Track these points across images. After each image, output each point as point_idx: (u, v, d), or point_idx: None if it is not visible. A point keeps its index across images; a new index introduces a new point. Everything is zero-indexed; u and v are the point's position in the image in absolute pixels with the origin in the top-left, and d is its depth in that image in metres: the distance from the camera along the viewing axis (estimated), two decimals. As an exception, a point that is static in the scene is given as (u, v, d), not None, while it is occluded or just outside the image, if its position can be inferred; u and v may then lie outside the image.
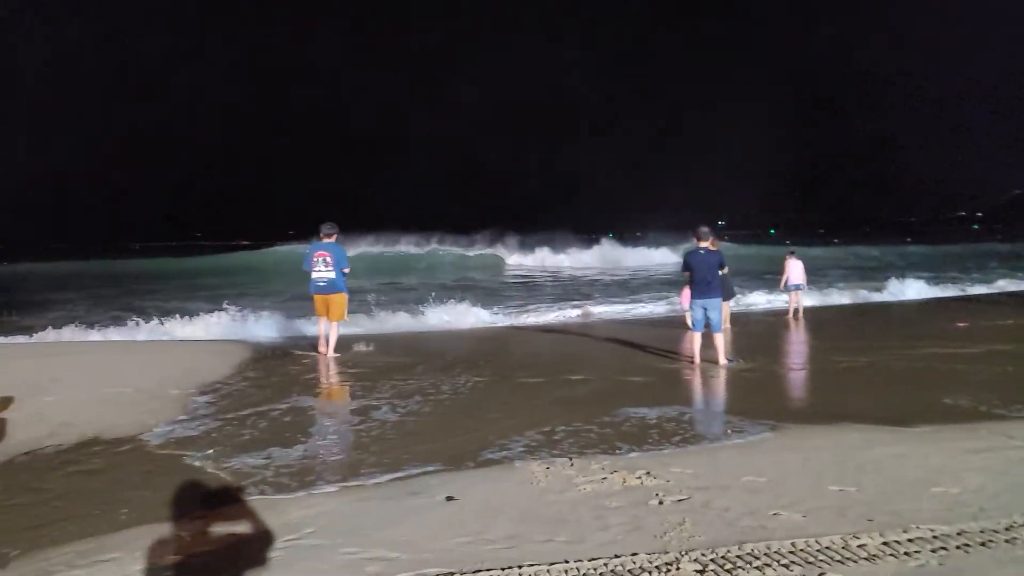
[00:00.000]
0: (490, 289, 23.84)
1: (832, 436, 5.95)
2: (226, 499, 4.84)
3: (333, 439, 6.40)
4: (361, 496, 4.88)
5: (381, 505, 4.67)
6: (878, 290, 19.75)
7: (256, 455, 5.82)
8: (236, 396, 8.00)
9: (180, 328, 13.32)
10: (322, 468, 5.51)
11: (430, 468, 5.44)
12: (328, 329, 10.53)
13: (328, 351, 10.45)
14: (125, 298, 21.16)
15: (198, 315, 14.20)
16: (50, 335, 12.57)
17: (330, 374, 9.46)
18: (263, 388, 8.39)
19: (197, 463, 5.65)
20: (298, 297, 17.06)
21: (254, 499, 4.81)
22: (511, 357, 10.45)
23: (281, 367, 9.80)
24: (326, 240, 10.44)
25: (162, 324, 13.38)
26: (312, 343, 11.36)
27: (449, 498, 4.73)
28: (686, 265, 9.54)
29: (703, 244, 9.43)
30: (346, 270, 10.49)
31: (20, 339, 12.39)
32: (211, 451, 5.94)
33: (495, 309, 16.04)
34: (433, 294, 16.18)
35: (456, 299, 15.87)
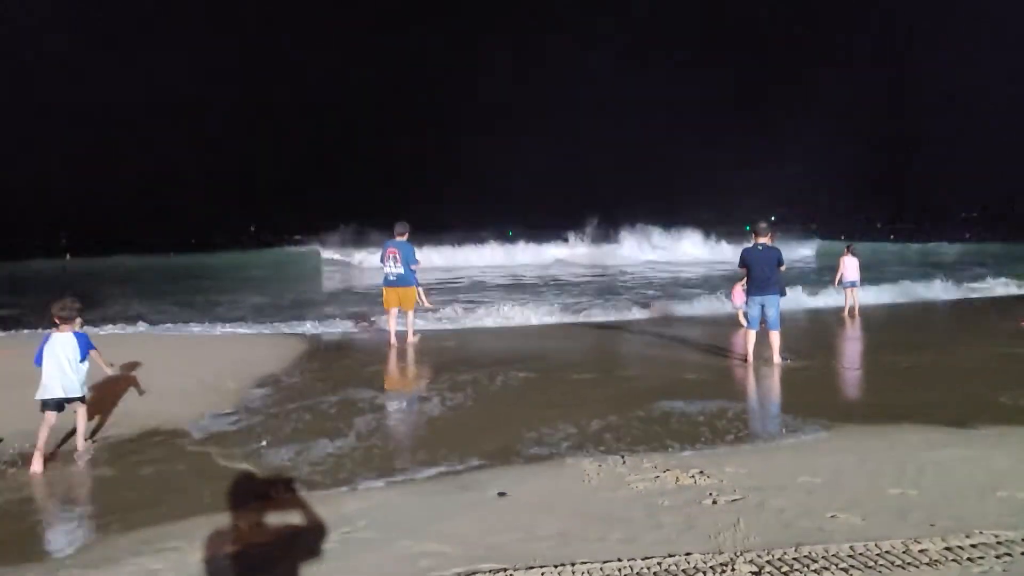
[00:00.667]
0: (555, 285, 23.75)
1: (890, 436, 5.82)
2: (281, 491, 4.94)
3: (385, 432, 6.48)
4: (413, 490, 4.93)
5: (432, 500, 4.72)
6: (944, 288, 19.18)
7: (309, 448, 5.92)
8: (292, 389, 8.15)
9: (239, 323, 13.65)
10: (374, 461, 5.58)
11: (481, 463, 5.48)
12: (401, 319, 11.43)
13: (409, 337, 11.33)
14: (180, 294, 21.64)
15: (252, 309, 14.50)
16: (113, 328, 12.91)
17: (387, 366, 9.58)
18: (319, 381, 8.53)
19: (252, 455, 5.77)
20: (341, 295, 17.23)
21: (307, 492, 4.90)
22: (564, 354, 10.42)
23: (337, 360, 9.98)
24: (398, 238, 11.12)
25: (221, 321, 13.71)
26: (371, 336, 11.89)
27: (501, 494, 4.75)
28: (743, 261, 9.40)
29: (761, 240, 9.27)
30: (414, 266, 11.11)
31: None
32: (265, 443, 6.07)
33: (554, 305, 15.94)
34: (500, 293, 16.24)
35: (526, 295, 15.93)
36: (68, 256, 49.81)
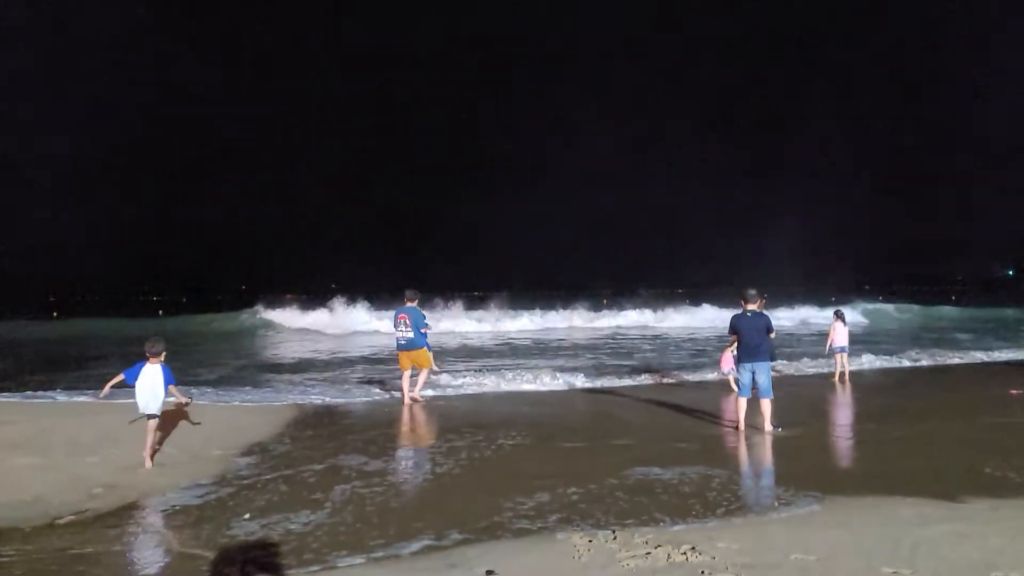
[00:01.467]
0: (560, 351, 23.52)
1: (883, 511, 5.76)
2: (265, 568, 4.82)
3: (371, 503, 6.35)
4: (399, 568, 4.82)
5: (420, 577, 4.61)
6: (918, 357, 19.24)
7: (290, 521, 5.81)
8: (280, 457, 8.04)
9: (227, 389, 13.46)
10: (357, 536, 5.47)
11: (469, 537, 5.38)
12: (414, 381, 11.91)
13: (415, 391, 11.82)
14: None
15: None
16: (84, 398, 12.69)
17: (379, 433, 9.47)
18: (307, 448, 8.42)
19: (232, 529, 5.66)
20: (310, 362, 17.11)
21: (292, 572, 4.78)
22: (559, 420, 10.34)
23: (327, 426, 9.85)
24: (408, 304, 11.71)
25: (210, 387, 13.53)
26: (363, 402, 11.98)
27: (489, 572, 4.64)
28: (733, 328, 9.42)
29: (750, 306, 9.32)
30: (424, 330, 11.72)
31: (58, 397, 12.47)
32: (247, 516, 5.95)
33: (556, 371, 15.73)
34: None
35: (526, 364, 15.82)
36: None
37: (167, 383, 7.60)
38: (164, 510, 6.21)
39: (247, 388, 13.38)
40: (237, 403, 11.35)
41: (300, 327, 30.06)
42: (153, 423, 7.59)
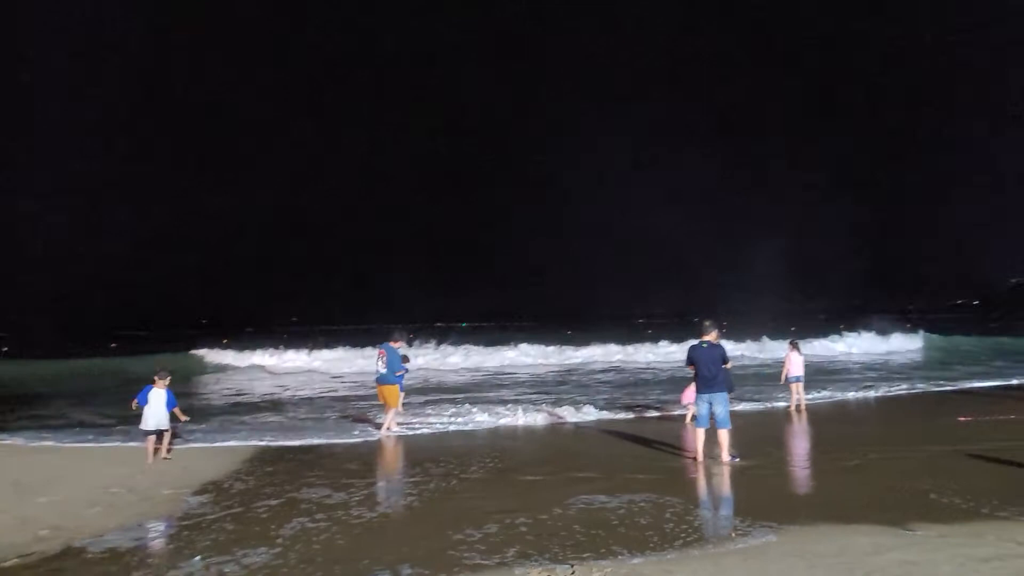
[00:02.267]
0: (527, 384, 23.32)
1: (838, 540, 5.82)
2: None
3: (327, 540, 6.25)
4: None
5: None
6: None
7: (244, 559, 5.70)
8: (233, 495, 7.89)
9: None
10: (310, 574, 5.37)
11: (423, 573, 5.31)
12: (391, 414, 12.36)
13: (382, 429, 12.21)
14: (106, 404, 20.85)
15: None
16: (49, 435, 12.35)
17: (341, 468, 9.34)
18: (262, 486, 8.29)
19: (180, 570, 5.53)
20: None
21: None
22: (521, 453, 10.33)
23: (283, 465, 9.69)
24: (391, 343, 12.39)
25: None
26: (323, 441, 11.76)
27: (446, 609, 4.58)
28: (690, 360, 9.51)
29: (706, 338, 9.42)
30: (399, 372, 12.25)
31: (17, 440, 12.09)
32: (198, 557, 5.82)
33: (529, 407, 15.56)
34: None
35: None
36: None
37: (170, 406, 9.72)
38: (111, 552, 6.03)
39: (201, 429, 13.06)
40: (191, 444, 11.06)
41: (252, 364, 28.16)
42: (152, 439, 9.56)
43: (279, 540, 6.22)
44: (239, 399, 18.79)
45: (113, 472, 8.85)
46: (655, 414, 14.84)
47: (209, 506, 7.44)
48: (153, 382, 9.70)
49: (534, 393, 18.91)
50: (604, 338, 34.48)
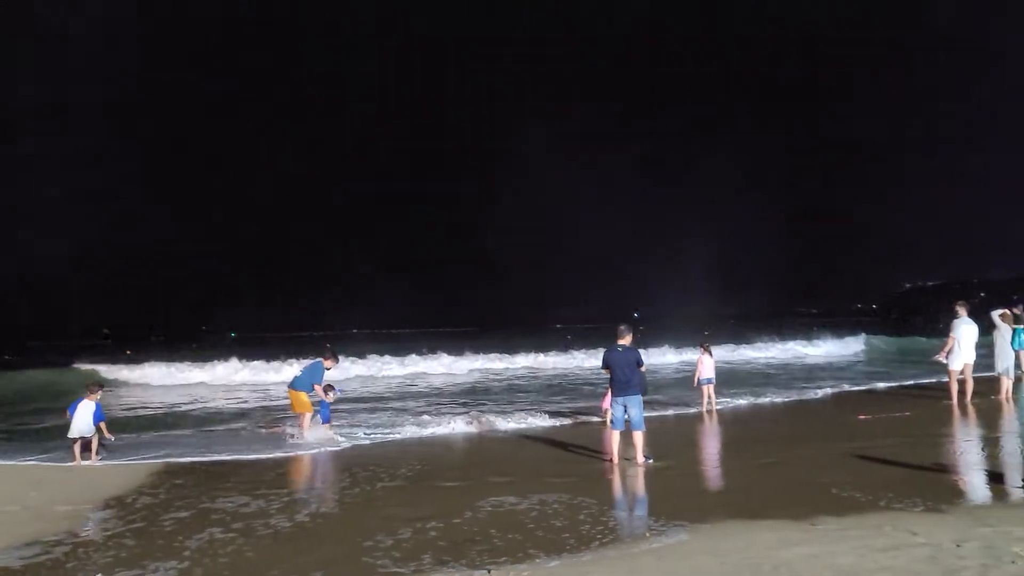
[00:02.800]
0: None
1: (746, 536, 5.99)
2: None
3: (231, 554, 6.06)
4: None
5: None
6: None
7: (147, 574, 5.47)
8: (137, 510, 7.58)
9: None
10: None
11: (341, 585, 5.22)
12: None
13: (298, 437, 12.27)
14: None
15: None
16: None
17: (256, 479, 9.08)
18: (167, 500, 7.99)
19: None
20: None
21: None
22: (439, 461, 10.24)
23: (191, 479, 9.36)
24: (322, 360, 12.86)
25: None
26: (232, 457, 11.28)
27: (360, 619, 4.51)
28: (605, 363, 9.64)
29: (621, 341, 9.56)
30: (317, 387, 12.53)
31: None
32: (98, 574, 5.56)
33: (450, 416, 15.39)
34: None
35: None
36: None
37: (97, 419, 10.40)
38: None
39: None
40: (89, 463, 10.53)
41: (151, 377, 25.66)
42: (78, 445, 10.29)
43: (185, 554, 6.02)
44: (141, 413, 18.05)
45: (3, 490, 8.38)
46: (572, 420, 14.99)
47: (111, 521, 7.13)
48: (85, 395, 10.55)
49: (450, 402, 18.86)
50: (528, 345, 34.39)
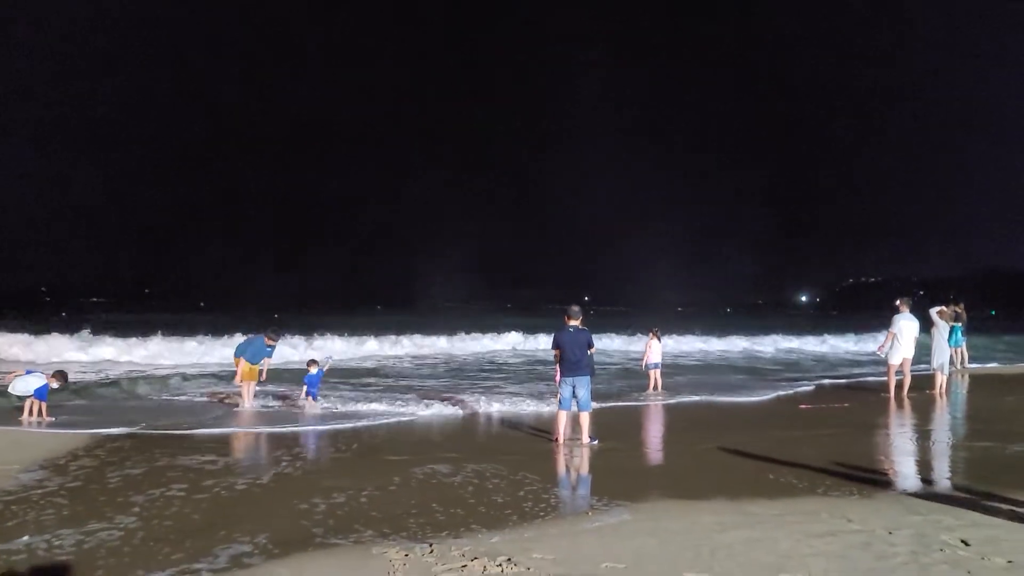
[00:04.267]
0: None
1: (687, 518, 6.07)
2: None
3: (172, 518, 5.93)
4: (201, 588, 4.51)
5: (223, 598, 4.33)
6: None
7: (82, 538, 5.33)
8: (73, 473, 7.39)
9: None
10: (156, 552, 5.08)
11: (279, 552, 5.14)
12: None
13: (242, 404, 12.37)
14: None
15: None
16: None
17: (203, 446, 8.91)
18: (106, 465, 7.80)
19: (12, 547, 5.10)
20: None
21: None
22: (389, 438, 10.16)
23: (131, 445, 9.14)
24: (264, 338, 12.77)
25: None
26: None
27: (299, 590, 4.45)
28: (556, 343, 9.65)
29: (573, 322, 9.57)
30: (265, 360, 12.73)
31: None
32: (25, 537, 5.40)
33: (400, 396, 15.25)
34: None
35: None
36: None
37: (38, 394, 10.58)
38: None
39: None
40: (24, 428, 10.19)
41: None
42: (28, 400, 10.55)
43: (126, 518, 5.86)
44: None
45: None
46: (528, 402, 15.05)
47: (45, 484, 6.91)
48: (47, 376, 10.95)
49: (404, 381, 18.78)
50: (474, 327, 33.87)
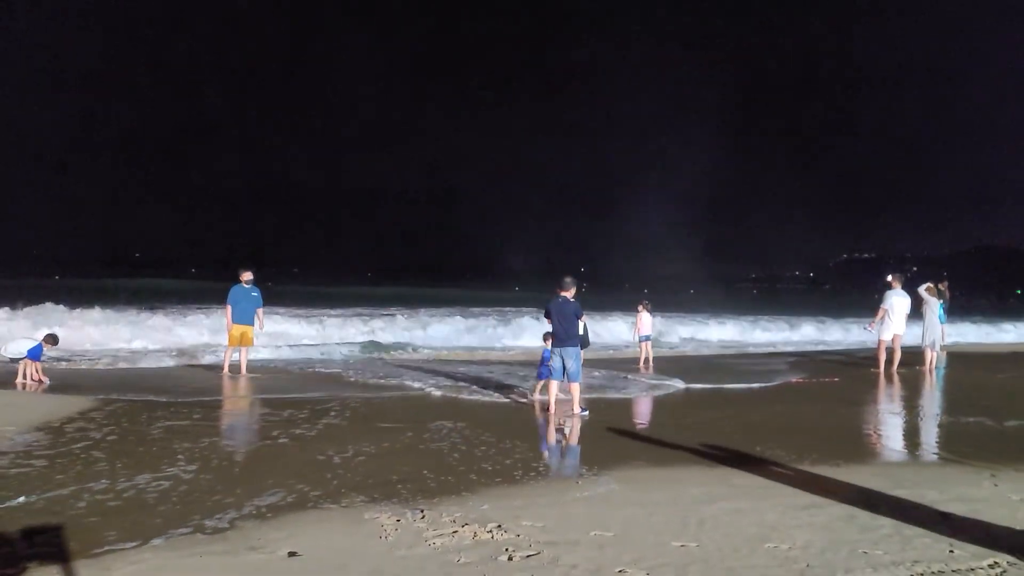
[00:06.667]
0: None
1: (675, 489, 6.14)
2: (47, 555, 4.42)
3: (168, 480, 5.99)
4: (195, 550, 4.56)
5: (219, 560, 4.39)
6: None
7: (78, 500, 5.38)
8: (71, 436, 7.42)
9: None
10: (153, 515, 5.14)
11: (274, 516, 5.21)
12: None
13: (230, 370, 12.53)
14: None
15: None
16: None
17: (183, 410, 8.97)
18: (106, 427, 7.85)
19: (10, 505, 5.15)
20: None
21: (76, 554, 4.41)
22: (379, 408, 10.23)
23: (134, 407, 9.18)
24: (242, 278, 12.76)
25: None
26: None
27: (292, 553, 4.51)
28: (547, 313, 9.71)
29: (564, 293, 9.61)
30: (260, 310, 12.83)
31: None
32: (21, 498, 5.44)
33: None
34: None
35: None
36: None
37: (31, 354, 10.80)
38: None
39: None
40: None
41: None
42: (22, 363, 10.74)
43: (124, 482, 5.91)
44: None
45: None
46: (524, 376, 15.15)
47: (44, 446, 6.97)
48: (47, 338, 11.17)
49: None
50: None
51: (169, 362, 14.23)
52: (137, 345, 16.48)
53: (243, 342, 12.56)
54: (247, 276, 12.68)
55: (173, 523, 5.03)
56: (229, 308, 12.41)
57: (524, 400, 10.68)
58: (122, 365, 13.65)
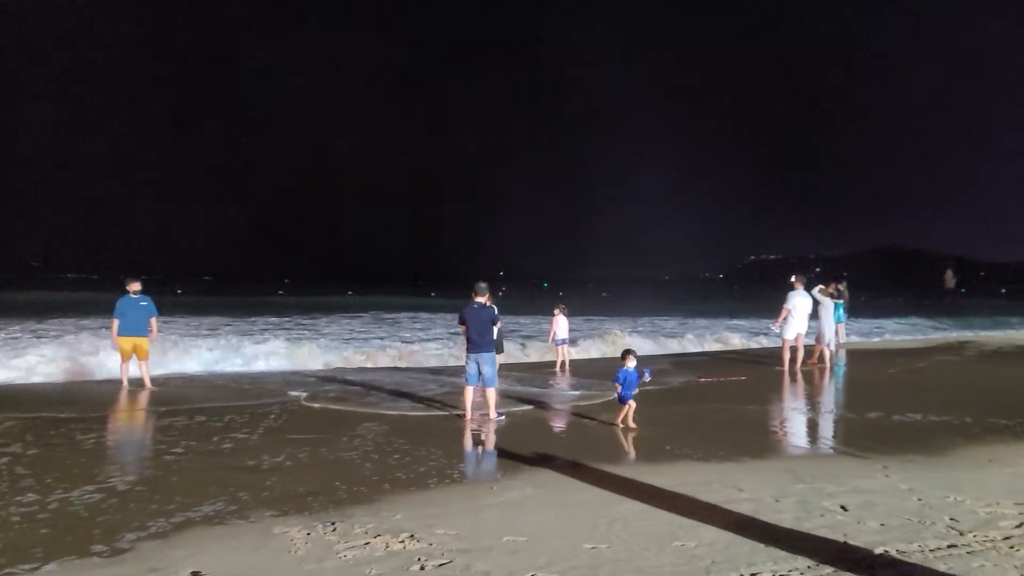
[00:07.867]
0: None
1: (588, 491, 6.23)
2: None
3: (64, 498, 5.70)
4: (92, 574, 4.36)
5: (114, 584, 4.21)
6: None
7: (-38, 529, 5.06)
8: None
9: None
10: (42, 537, 4.89)
11: (176, 534, 5.03)
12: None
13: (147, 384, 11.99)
14: None
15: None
16: None
17: (98, 417, 8.54)
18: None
19: None
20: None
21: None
22: (288, 415, 10.00)
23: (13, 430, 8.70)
24: (129, 290, 12.19)
25: None
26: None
27: (195, 573, 4.36)
28: (461, 319, 9.68)
29: (479, 299, 9.60)
30: (153, 319, 12.29)
31: None
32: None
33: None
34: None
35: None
36: None
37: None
38: None
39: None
40: None
41: None
42: None
43: (9, 503, 5.60)
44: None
45: None
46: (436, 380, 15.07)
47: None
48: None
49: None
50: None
51: (61, 377, 13.55)
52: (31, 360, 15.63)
53: (137, 354, 12.02)
54: (135, 286, 12.25)
55: (69, 546, 4.79)
56: (115, 322, 11.90)
57: (447, 405, 10.63)
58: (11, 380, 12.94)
